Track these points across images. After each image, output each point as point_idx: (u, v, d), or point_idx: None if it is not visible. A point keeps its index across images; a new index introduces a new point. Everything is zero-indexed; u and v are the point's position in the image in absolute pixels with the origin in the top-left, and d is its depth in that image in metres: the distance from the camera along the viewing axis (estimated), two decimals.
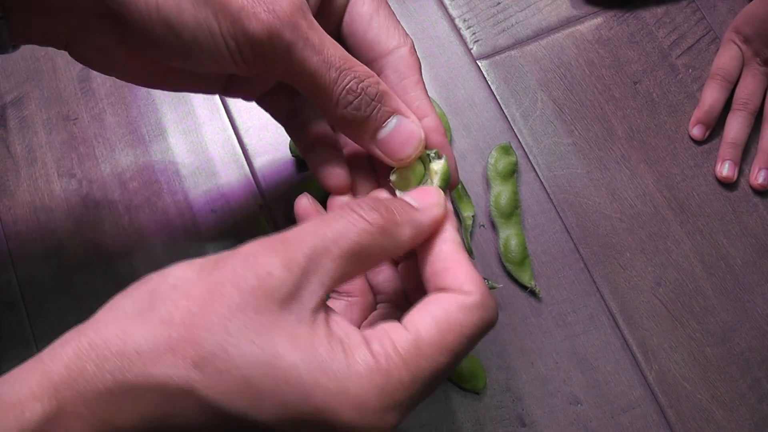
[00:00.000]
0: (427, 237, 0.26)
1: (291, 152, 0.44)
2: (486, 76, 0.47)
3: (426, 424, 0.39)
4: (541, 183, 0.44)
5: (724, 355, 0.41)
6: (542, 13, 0.49)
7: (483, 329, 0.25)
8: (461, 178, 0.44)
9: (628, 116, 0.46)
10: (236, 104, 0.46)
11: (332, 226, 0.23)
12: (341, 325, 0.23)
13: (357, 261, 0.24)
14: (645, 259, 0.43)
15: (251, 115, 0.45)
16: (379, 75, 0.29)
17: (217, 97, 0.46)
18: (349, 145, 0.33)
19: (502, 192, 0.43)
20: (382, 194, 0.30)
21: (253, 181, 0.44)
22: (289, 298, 0.22)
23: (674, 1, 0.49)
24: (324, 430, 0.22)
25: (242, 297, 0.21)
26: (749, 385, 0.41)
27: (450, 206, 0.28)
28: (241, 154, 0.45)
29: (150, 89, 0.46)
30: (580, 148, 0.45)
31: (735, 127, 0.46)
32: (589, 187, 0.44)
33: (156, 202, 0.44)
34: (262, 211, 0.43)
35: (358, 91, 0.27)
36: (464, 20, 0.49)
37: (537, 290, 0.42)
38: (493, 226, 0.43)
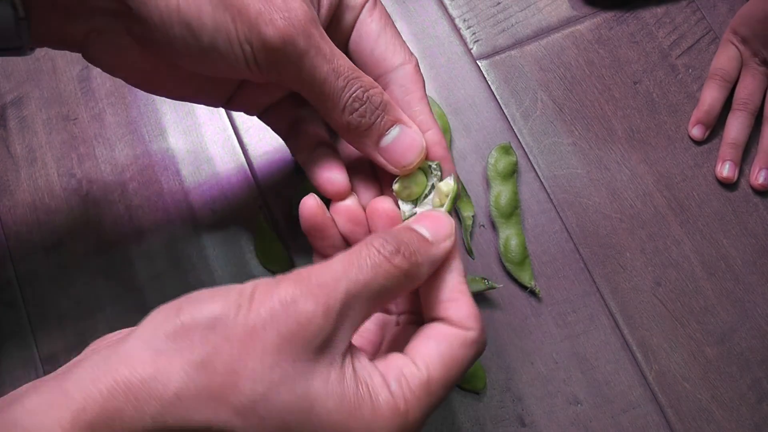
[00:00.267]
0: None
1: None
2: (486, 76, 0.47)
3: (426, 423, 0.39)
4: (541, 183, 0.44)
5: (724, 355, 0.41)
6: (542, 13, 0.49)
7: (475, 360, 0.27)
8: (462, 178, 0.44)
9: (628, 116, 0.46)
10: None
11: (363, 269, 0.24)
12: (365, 365, 0.24)
13: (380, 301, 0.25)
14: (645, 259, 0.43)
15: None
16: (384, 89, 0.30)
17: None
18: (351, 153, 0.33)
19: (502, 192, 0.43)
20: (385, 202, 0.30)
21: (253, 181, 0.44)
22: (324, 343, 0.23)
23: (674, 1, 0.49)
24: None
25: (282, 344, 0.22)
26: (749, 385, 0.41)
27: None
28: (241, 154, 0.45)
29: None
30: (580, 148, 0.45)
31: (735, 127, 0.46)
32: (589, 187, 0.44)
33: (156, 201, 0.44)
34: (262, 211, 0.43)
35: (364, 99, 0.28)
36: (464, 20, 0.49)
37: (537, 290, 0.42)
38: (493, 226, 0.43)
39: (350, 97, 0.28)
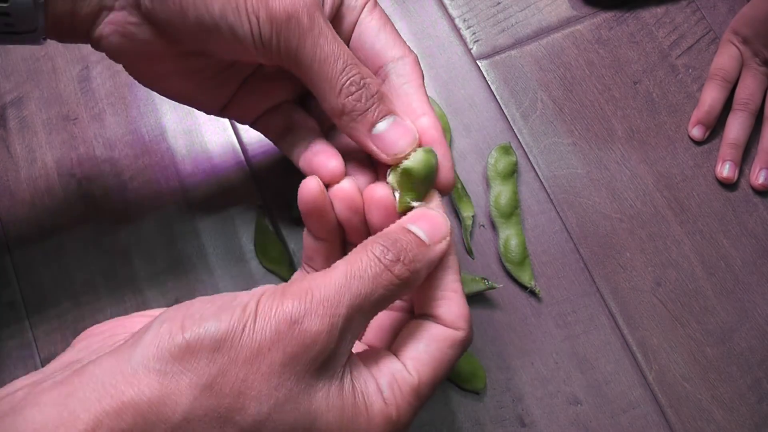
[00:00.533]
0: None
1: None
2: (486, 76, 0.47)
3: (426, 424, 0.39)
4: (541, 183, 0.44)
5: (724, 355, 0.41)
6: (542, 13, 0.49)
7: (463, 353, 0.28)
8: (462, 178, 0.44)
9: (628, 116, 0.46)
10: None
11: (364, 281, 0.24)
12: (362, 374, 0.25)
13: (381, 308, 0.26)
14: (645, 259, 0.43)
15: None
16: (383, 80, 0.31)
17: None
18: (347, 146, 0.33)
19: (502, 192, 0.43)
20: (381, 189, 0.30)
21: (253, 181, 0.44)
22: (328, 361, 0.23)
23: (674, 1, 0.49)
24: None
25: (287, 363, 0.22)
26: (749, 385, 0.41)
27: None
28: (241, 154, 0.45)
29: (149, 90, 0.46)
30: (580, 148, 0.45)
31: (735, 127, 0.46)
32: (589, 187, 0.44)
33: (156, 202, 0.44)
34: (262, 211, 0.43)
35: (361, 84, 0.28)
36: (464, 20, 0.49)
37: (537, 290, 0.42)
38: (493, 226, 0.43)
39: (348, 80, 0.28)
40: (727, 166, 0.45)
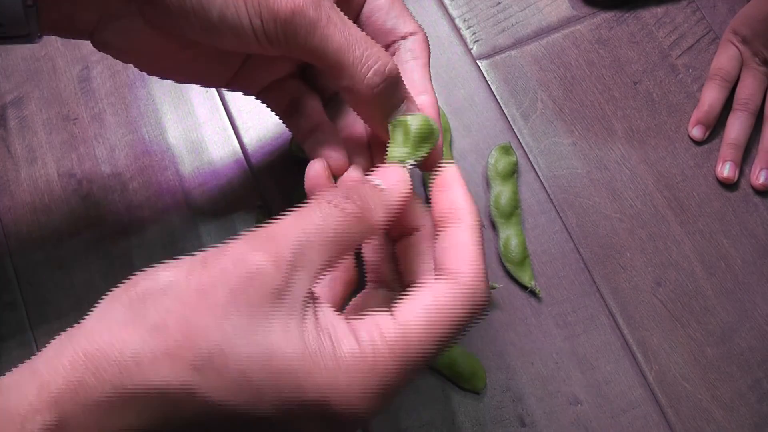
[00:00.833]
0: (399, 214, 0.27)
1: (291, 152, 0.44)
2: (486, 76, 0.47)
3: (426, 424, 0.39)
4: (541, 183, 0.44)
5: (724, 355, 0.41)
6: (542, 13, 0.49)
7: (473, 317, 0.25)
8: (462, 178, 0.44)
9: (628, 116, 0.46)
10: (236, 104, 0.46)
11: (313, 219, 0.24)
12: (328, 315, 0.24)
13: (338, 249, 0.24)
14: (645, 259, 0.43)
15: (251, 115, 0.45)
16: (392, 55, 0.32)
17: (216, 96, 0.46)
18: (345, 129, 0.34)
19: (502, 192, 0.43)
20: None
21: (252, 180, 0.44)
22: (279, 292, 0.22)
23: (674, 1, 0.49)
24: (317, 418, 0.22)
25: (234, 296, 0.22)
26: (749, 385, 0.41)
27: (470, 202, 0.28)
28: (241, 154, 0.45)
29: (150, 90, 0.46)
30: (580, 148, 0.45)
31: (736, 127, 0.46)
32: (589, 187, 0.44)
33: (156, 201, 0.44)
34: (262, 211, 0.43)
35: (386, 73, 0.28)
36: (464, 20, 0.49)
37: (537, 290, 0.42)
38: (493, 226, 0.43)
39: (370, 69, 0.28)
40: (728, 166, 0.45)
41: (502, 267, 0.42)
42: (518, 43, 0.48)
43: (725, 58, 0.47)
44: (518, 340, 0.41)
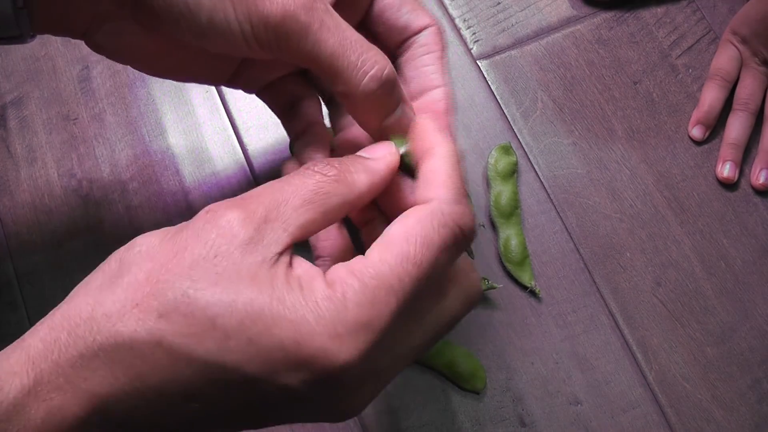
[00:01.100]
0: (385, 183, 0.27)
1: (291, 153, 0.44)
2: (486, 76, 0.47)
3: (426, 424, 0.39)
4: (541, 183, 0.44)
5: (724, 355, 0.41)
6: (542, 13, 0.49)
7: (455, 241, 0.24)
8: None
9: (628, 116, 0.46)
10: (236, 104, 0.46)
11: (290, 181, 0.24)
12: (303, 265, 0.23)
13: (319, 210, 0.24)
14: (645, 259, 0.43)
15: (251, 115, 0.45)
16: (407, 50, 0.31)
17: (216, 96, 0.46)
18: (345, 129, 0.34)
19: (502, 192, 0.43)
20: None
21: (253, 181, 0.44)
22: (250, 243, 0.22)
23: (674, 1, 0.49)
24: (293, 367, 0.21)
25: (204, 248, 0.22)
26: (749, 385, 0.41)
27: (443, 136, 0.27)
28: (241, 154, 0.45)
29: (150, 90, 0.46)
30: (580, 148, 0.45)
31: (736, 127, 0.46)
32: (589, 187, 0.44)
33: (156, 201, 0.44)
34: None
35: (383, 78, 0.27)
36: (464, 20, 0.49)
37: (537, 290, 0.42)
38: (493, 226, 0.43)
39: (365, 74, 0.27)
40: (728, 166, 0.45)
41: (502, 267, 0.42)
42: (518, 43, 0.48)
43: (725, 58, 0.47)
44: (518, 340, 0.41)
